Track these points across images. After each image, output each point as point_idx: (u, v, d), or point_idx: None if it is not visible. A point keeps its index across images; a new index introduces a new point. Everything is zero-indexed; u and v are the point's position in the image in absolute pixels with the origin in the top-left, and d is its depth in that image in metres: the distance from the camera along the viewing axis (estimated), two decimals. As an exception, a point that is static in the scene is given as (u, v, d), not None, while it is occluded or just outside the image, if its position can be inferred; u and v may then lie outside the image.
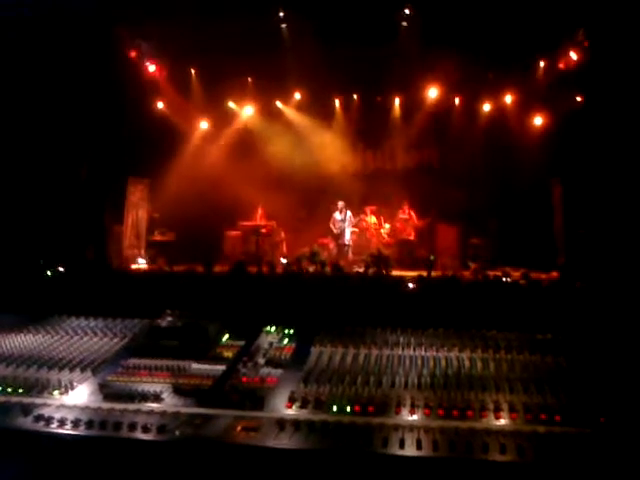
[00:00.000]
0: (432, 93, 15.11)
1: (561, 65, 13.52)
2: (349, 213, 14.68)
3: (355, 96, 16.14)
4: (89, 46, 10.45)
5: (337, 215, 14.64)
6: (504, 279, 7.89)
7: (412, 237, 14.91)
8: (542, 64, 13.77)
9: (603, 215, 10.72)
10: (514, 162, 14.19)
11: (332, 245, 14.75)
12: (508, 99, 14.93)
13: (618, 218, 10.23)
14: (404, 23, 13.02)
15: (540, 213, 13.93)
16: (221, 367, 3.42)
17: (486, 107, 15.37)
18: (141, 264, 13.19)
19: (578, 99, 13.18)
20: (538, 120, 14.66)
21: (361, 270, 11.90)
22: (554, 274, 9.97)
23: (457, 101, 15.49)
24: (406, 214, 14.99)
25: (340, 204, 14.67)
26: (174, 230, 15.11)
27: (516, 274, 9.01)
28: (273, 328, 3.92)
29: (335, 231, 14.58)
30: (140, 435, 2.73)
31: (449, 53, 12.48)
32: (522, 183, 13.97)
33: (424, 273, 9.16)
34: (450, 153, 15.68)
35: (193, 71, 14.91)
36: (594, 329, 3.67)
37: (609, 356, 3.34)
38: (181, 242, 14.78)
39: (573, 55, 12.97)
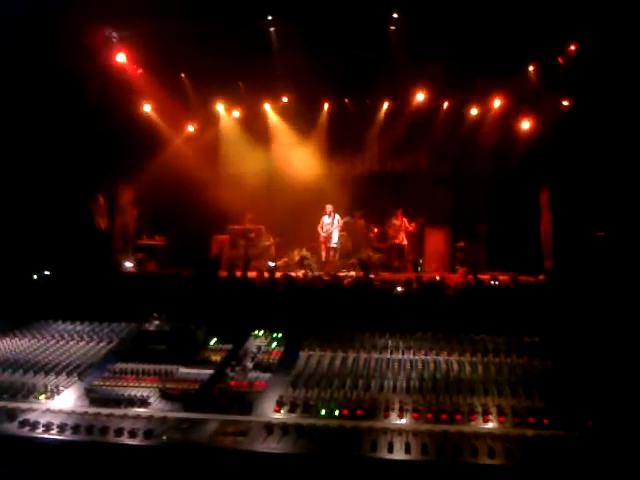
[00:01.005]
0: (420, 97, 15.14)
1: (549, 70, 13.61)
2: (337, 217, 14.71)
3: (343, 100, 16.14)
4: (73, 49, 10.38)
5: (325, 219, 14.67)
6: (492, 282, 7.94)
7: (404, 242, 14.95)
8: (530, 69, 13.85)
9: (591, 219, 10.80)
10: (502, 166, 14.28)
11: (321, 249, 14.76)
12: (496, 104, 15.01)
13: (606, 221, 10.32)
14: (392, 27, 13.04)
15: (528, 217, 14.01)
16: (209, 371, 3.40)
17: (474, 112, 15.44)
18: (129, 268, 13.13)
19: (565, 103, 13.30)
20: (526, 124, 14.77)
21: (350, 274, 11.93)
22: (541, 278, 10.03)
23: (445, 105, 15.54)
24: (399, 220, 15.02)
25: (328, 208, 14.70)
26: (162, 234, 15.08)
27: (504, 278, 9.06)
28: (261, 332, 3.91)
29: (323, 234, 14.60)
30: (127, 440, 2.71)
31: (437, 58, 12.55)
32: (510, 187, 14.05)
33: (413, 276, 9.18)
34: (439, 157, 15.74)
35: (181, 75, 14.85)
36: (581, 332, 3.69)
37: (596, 359, 3.36)
38: (169, 246, 14.76)
39: (560, 60, 13.08)
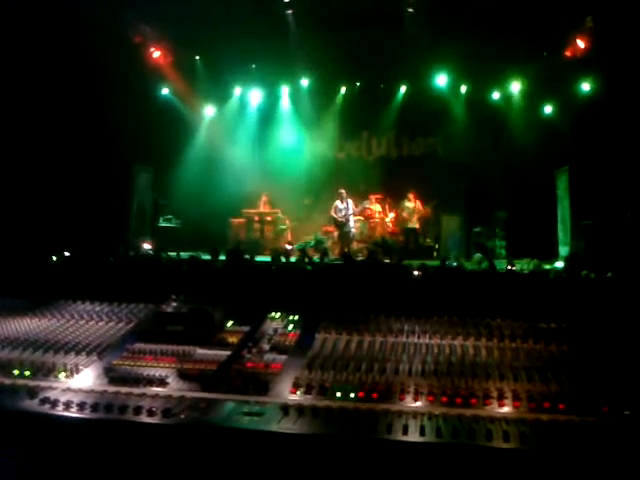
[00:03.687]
0: (438, 81, 15.04)
1: (568, 53, 13.46)
2: (350, 202, 14.63)
3: (360, 83, 16.07)
4: (92, 31, 10.40)
5: (339, 203, 14.61)
6: (509, 268, 7.91)
7: (417, 226, 14.90)
8: (549, 53, 13.69)
9: (610, 205, 10.70)
10: (520, 151, 14.14)
11: (336, 233, 14.75)
12: (515, 88, 14.87)
13: (625, 208, 10.21)
14: (410, 10, 12.92)
15: (545, 203, 13.90)
16: (226, 352, 3.42)
17: (493, 95, 15.32)
18: (146, 250, 13.22)
19: (585, 87, 13.13)
20: (545, 109, 14.62)
21: (365, 258, 11.92)
22: (559, 264, 9.97)
23: (463, 89, 15.42)
24: (412, 202, 14.96)
25: (342, 192, 14.63)
26: (179, 217, 15.17)
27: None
28: (278, 314, 3.93)
29: (339, 219, 14.55)
30: (145, 418, 2.74)
31: (456, 41, 12.42)
32: (528, 173, 13.93)
33: (428, 261, 9.17)
34: (456, 141, 15.63)
35: (198, 57, 14.86)
36: (598, 318, 3.67)
37: (613, 345, 3.35)
38: (186, 229, 14.84)
39: (580, 43, 12.91)
